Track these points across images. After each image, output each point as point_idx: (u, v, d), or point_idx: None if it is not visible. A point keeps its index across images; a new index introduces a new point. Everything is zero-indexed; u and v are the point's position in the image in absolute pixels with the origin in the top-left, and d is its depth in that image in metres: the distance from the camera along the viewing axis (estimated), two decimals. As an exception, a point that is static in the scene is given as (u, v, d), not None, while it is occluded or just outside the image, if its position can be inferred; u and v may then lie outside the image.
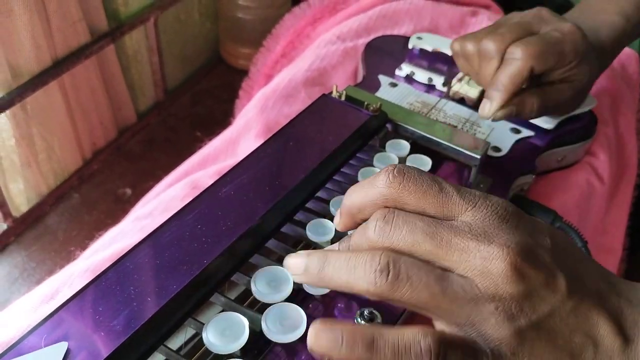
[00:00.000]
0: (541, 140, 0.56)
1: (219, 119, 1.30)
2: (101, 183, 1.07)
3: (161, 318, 0.28)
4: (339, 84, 0.72)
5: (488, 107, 0.48)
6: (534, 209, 0.50)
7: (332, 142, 0.42)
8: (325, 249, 0.29)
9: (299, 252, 0.28)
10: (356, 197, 0.28)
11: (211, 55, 1.57)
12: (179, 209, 0.50)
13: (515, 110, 0.48)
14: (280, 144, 0.42)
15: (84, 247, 0.76)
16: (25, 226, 0.98)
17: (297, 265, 0.27)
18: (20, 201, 0.99)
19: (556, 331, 0.25)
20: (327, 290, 0.33)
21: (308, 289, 0.33)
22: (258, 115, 0.62)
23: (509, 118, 0.49)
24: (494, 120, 0.49)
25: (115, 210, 0.98)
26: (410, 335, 0.24)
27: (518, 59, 0.46)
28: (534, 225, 0.27)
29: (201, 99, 1.39)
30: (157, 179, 0.60)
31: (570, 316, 0.25)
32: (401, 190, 0.27)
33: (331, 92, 0.51)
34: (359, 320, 0.33)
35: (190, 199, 0.52)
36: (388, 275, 0.25)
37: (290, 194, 0.37)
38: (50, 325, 0.27)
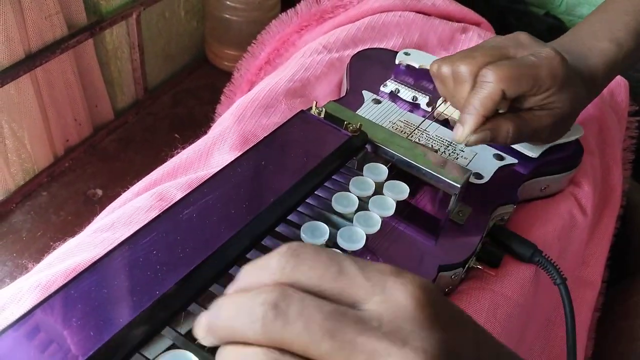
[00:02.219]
0: (525, 169, 0.55)
1: (199, 120, 1.27)
2: (71, 182, 1.03)
3: (105, 354, 0.26)
4: (321, 96, 0.70)
5: (461, 131, 0.47)
6: (513, 242, 0.49)
7: (307, 163, 0.40)
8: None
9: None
10: (248, 281, 0.24)
11: (195, 55, 1.55)
12: (143, 221, 0.48)
13: (489, 135, 0.47)
14: (252, 162, 0.40)
15: (43, 251, 0.73)
16: (-12, 224, 0.95)
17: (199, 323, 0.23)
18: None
19: None
20: None
21: None
22: (234, 125, 0.60)
23: (483, 143, 0.48)
24: (467, 145, 0.47)
25: (84, 211, 0.95)
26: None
27: (489, 82, 0.45)
28: (457, 312, 0.23)
29: (182, 99, 1.36)
30: (130, 181, 0.57)
31: None
32: (294, 274, 0.22)
33: (310, 108, 0.49)
34: None
35: (156, 211, 0.50)
36: None
37: (259, 218, 0.35)
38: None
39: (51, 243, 0.91)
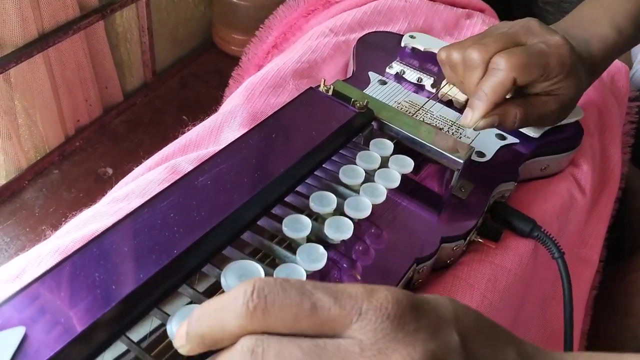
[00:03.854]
0: (526, 148, 0.56)
1: (206, 104, 1.28)
2: (82, 161, 1.05)
3: (125, 307, 0.27)
4: (328, 78, 0.71)
5: (470, 116, 0.47)
6: (513, 217, 0.50)
7: (315, 137, 0.41)
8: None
9: None
10: (209, 325, 0.22)
11: (203, 40, 1.55)
12: (156, 192, 0.49)
13: (497, 120, 0.47)
14: (263, 135, 0.41)
15: (57, 226, 0.74)
16: (2, 200, 0.96)
17: None
18: (4, 175, 0.97)
19: None
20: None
21: None
22: (244, 103, 0.61)
23: (491, 127, 0.49)
24: (475, 129, 0.48)
25: (95, 189, 0.96)
26: None
27: (501, 70, 0.45)
28: (437, 318, 0.22)
29: (190, 83, 1.37)
30: (140, 160, 0.58)
31: None
32: (266, 320, 0.21)
33: (319, 86, 0.50)
34: None
35: (169, 184, 0.51)
36: None
37: (270, 187, 0.36)
38: (8, 308, 0.26)
39: (63, 219, 0.93)
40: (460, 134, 0.55)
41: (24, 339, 0.25)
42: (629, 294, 0.70)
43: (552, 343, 0.56)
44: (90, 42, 1.05)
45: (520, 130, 0.56)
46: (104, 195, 0.54)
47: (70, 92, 1.04)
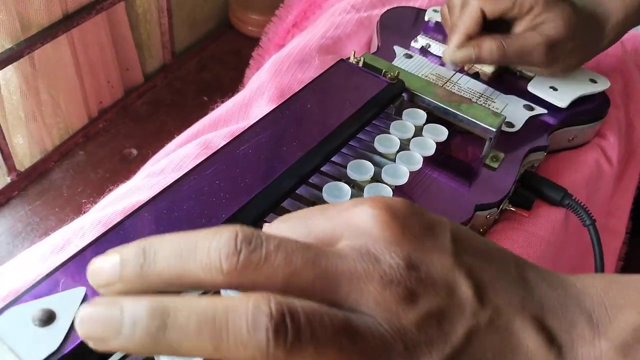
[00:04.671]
0: (554, 119, 0.55)
1: (226, 85, 1.28)
2: (107, 142, 1.06)
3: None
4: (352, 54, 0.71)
5: (447, 49, 0.50)
6: (544, 186, 0.50)
7: (349, 107, 0.41)
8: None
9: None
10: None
11: (220, 21, 1.55)
12: (190, 167, 0.50)
13: (473, 52, 0.49)
14: (298, 106, 0.41)
15: (86, 206, 0.75)
16: (29, 181, 0.97)
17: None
18: (25, 155, 0.98)
19: (477, 357, 0.20)
20: None
21: None
22: (271, 79, 0.61)
23: (470, 61, 0.50)
24: (454, 63, 0.50)
25: (121, 169, 0.97)
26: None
27: (471, 1, 0.48)
28: (427, 224, 0.22)
29: (208, 64, 1.37)
30: (163, 141, 0.58)
31: (489, 334, 0.20)
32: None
33: (349, 58, 0.50)
34: None
35: (203, 158, 0.52)
36: (286, 338, 0.17)
37: (308, 156, 0.36)
38: (68, 270, 0.27)
39: (91, 199, 0.94)
40: (489, 105, 0.55)
41: (85, 298, 0.26)
42: (654, 265, 0.70)
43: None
44: (112, 23, 1.05)
45: (548, 100, 0.56)
46: (130, 176, 0.55)
47: (93, 74, 1.05)
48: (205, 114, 0.62)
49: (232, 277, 0.18)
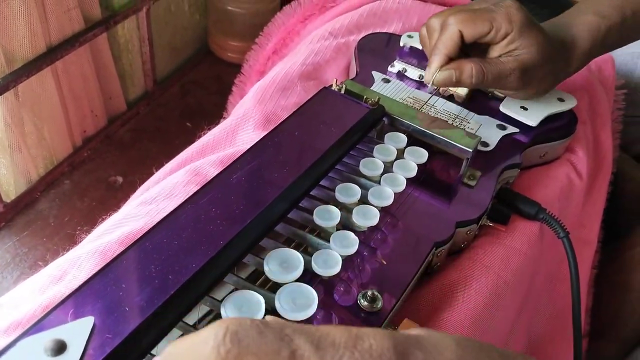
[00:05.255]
0: (525, 137, 0.58)
1: (209, 110, 1.29)
2: (92, 170, 1.06)
3: (182, 295, 0.29)
4: (332, 78, 0.72)
5: (428, 70, 0.51)
6: (519, 201, 0.52)
7: (334, 133, 0.43)
8: None
9: None
10: None
11: (199, 47, 1.57)
12: (182, 194, 0.51)
13: (454, 74, 0.50)
14: (285, 134, 0.43)
15: (73, 235, 0.74)
16: (16, 212, 0.97)
17: None
18: (10, 186, 0.97)
19: None
20: (335, 272, 0.34)
21: (316, 269, 0.34)
22: (256, 106, 0.62)
23: (450, 84, 0.51)
24: (435, 84, 0.51)
25: (108, 197, 0.97)
26: None
27: (450, 24, 0.50)
28: (426, 347, 0.20)
29: (190, 90, 1.38)
30: (149, 167, 0.59)
31: None
32: None
33: (331, 85, 0.52)
34: (362, 301, 0.34)
35: (193, 185, 0.53)
36: None
37: (297, 182, 0.38)
38: (76, 301, 0.28)
39: (79, 227, 0.94)
40: (464, 126, 0.57)
41: (94, 327, 0.27)
42: (626, 271, 0.72)
43: (561, 320, 0.58)
44: (94, 54, 1.06)
45: (519, 120, 0.58)
46: (117, 203, 0.55)
47: (77, 104, 1.05)
48: (188, 139, 0.63)
49: None
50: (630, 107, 0.87)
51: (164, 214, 0.45)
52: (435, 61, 0.51)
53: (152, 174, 0.57)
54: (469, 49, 0.53)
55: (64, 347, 0.25)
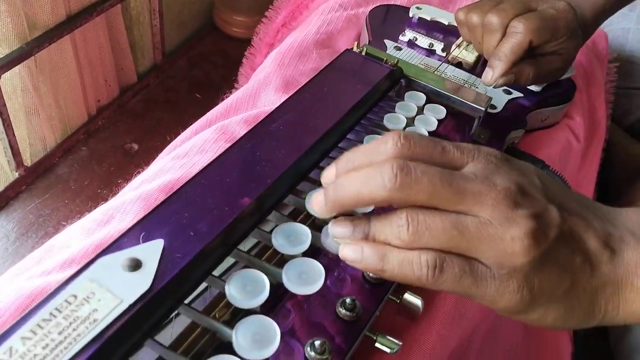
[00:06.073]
0: (529, 101, 0.60)
1: (216, 82, 1.30)
2: (107, 138, 1.07)
3: (237, 225, 0.31)
4: (344, 47, 0.74)
5: (491, 75, 0.51)
6: (525, 158, 0.55)
7: (360, 89, 0.45)
8: (317, 195, 0.29)
9: (319, 191, 0.29)
10: (361, 161, 0.28)
11: (205, 22, 1.56)
12: (213, 150, 0.53)
13: (513, 78, 0.52)
14: (316, 89, 0.44)
15: (94, 198, 0.75)
16: (36, 176, 0.98)
17: (317, 200, 0.29)
18: (29, 152, 0.98)
19: (558, 255, 0.27)
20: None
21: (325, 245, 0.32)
22: (276, 70, 0.64)
23: (508, 85, 0.53)
24: (495, 87, 0.52)
25: (125, 163, 0.99)
26: (412, 255, 0.27)
27: (520, 33, 0.49)
28: (523, 167, 0.29)
29: (197, 63, 1.38)
30: (162, 135, 0.60)
31: (567, 240, 0.28)
32: (410, 151, 0.27)
33: (352, 48, 0.54)
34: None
35: (222, 142, 0.55)
36: (413, 232, 0.26)
37: (331, 130, 0.40)
38: (145, 226, 0.30)
39: (98, 190, 0.95)
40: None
41: (164, 248, 0.29)
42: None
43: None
44: (109, 25, 1.06)
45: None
46: (134, 168, 0.57)
47: (93, 73, 1.06)
48: (198, 109, 0.65)
49: (392, 193, 0.26)
50: (621, 79, 0.89)
51: (199, 167, 0.48)
52: (500, 67, 0.50)
53: (166, 141, 0.59)
54: None
55: (139, 264, 0.28)
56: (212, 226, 0.30)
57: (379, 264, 0.27)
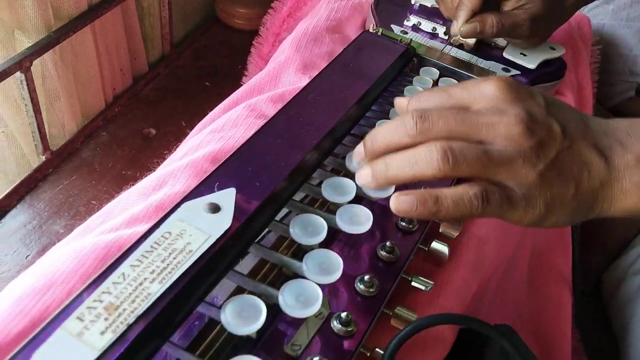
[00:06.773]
0: (525, 78, 0.65)
1: (224, 71, 1.33)
2: (126, 124, 1.10)
3: (292, 178, 0.35)
4: (352, 33, 0.78)
5: (455, 24, 0.57)
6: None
7: (382, 65, 0.49)
8: (358, 147, 0.35)
9: (364, 166, 0.34)
10: (386, 140, 0.33)
11: (206, 14, 1.59)
12: (245, 125, 0.56)
13: (478, 26, 0.57)
14: (342, 65, 0.48)
15: (118, 180, 0.77)
16: (61, 160, 1.01)
17: (365, 175, 0.33)
18: (50, 137, 1.01)
19: (562, 166, 0.32)
20: (389, 193, 0.36)
21: (370, 193, 0.36)
22: (295, 53, 0.68)
23: (474, 34, 0.57)
24: (462, 36, 0.57)
25: (145, 146, 1.01)
26: (462, 189, 0.31)
27: None
28: (528, 91, 0.33)
29: (203, 54, 1.41)
30: (178, 121, 0.63)
31: (568, 153, 0.32)
32: (425, 105, 0.33)
33: (368, 30, 0.58)
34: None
35: (252, 118, 0.59)
36: (449, 161, 0.31)
37: (361, 100, 0.44)
38: (217, 177, 0.34)
39: (123, 172, 0.98)
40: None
41: (236, 196, 0.33)
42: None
43: (560, 232, 0.66)
44: (125, 15, 1.09)
45: (520, 63, 0.65)
46: (156, 152, 0.59)
47: (110, 62, 1.08)
48: (210, 97, 0.68)
49: (415, 137, 0.32)
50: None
51: (235, 139, 0.52)
52: (462, 15, 0.56)
53: (182, 126, 0.62)
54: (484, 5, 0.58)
55: (218, 208, 0.32)
56: (273, 178, 0.34)
57: (433, 207, 0.31)
